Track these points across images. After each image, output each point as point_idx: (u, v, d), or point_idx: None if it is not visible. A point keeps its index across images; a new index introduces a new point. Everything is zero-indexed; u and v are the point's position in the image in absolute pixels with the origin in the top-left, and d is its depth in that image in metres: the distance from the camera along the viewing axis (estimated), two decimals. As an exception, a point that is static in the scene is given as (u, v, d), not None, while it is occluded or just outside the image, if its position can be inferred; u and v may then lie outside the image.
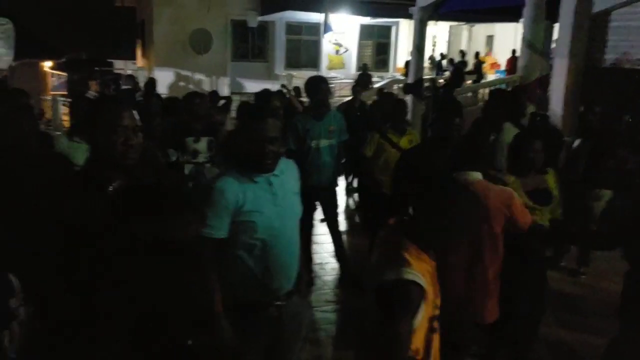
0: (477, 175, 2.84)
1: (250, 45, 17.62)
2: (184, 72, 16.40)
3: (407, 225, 2.01)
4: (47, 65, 19.00)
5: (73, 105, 5.45)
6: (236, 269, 2.39)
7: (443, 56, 19.19)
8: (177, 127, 4.77)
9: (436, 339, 2.00)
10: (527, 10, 8.94)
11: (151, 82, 8.93)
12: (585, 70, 8.77)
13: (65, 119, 14.13)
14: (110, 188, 1.88)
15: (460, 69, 15.24)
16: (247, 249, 2.36)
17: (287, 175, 2.51)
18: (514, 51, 15.42)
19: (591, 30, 8.81)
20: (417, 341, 1.91)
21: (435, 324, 1.97)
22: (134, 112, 2.01)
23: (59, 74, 19.24)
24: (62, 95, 15.18)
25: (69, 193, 1.88)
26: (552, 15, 9.39)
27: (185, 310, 1.71)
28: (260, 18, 16.69)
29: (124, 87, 11.08)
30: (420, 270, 1.88)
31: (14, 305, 1.40)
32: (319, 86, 4.67)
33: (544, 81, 8.72)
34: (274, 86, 13.14)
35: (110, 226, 1.59)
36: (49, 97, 14.96)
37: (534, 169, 3.39)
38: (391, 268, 1.88)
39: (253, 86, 14.00)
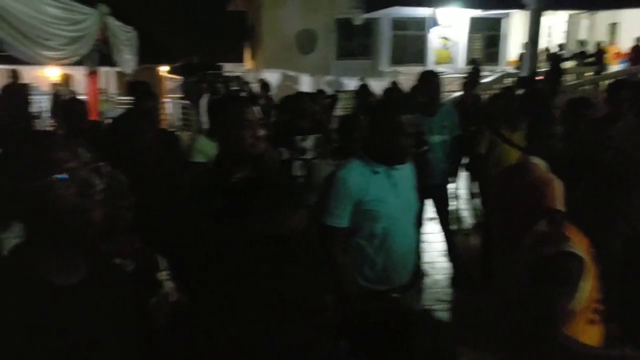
0: None
1: (354, 42, 17.71)
2: (290, 72, 16.83)
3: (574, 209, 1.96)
4: (163, 69, 20.30)
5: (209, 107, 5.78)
6: (357, 257, 2.46)
7: (562, 47, 18.09)
8: (285, 126, 4.92)
9: (593, 332, 1.92)
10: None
11: (265, 84, 9.27)
12: None
13: (181, 119, 15.06)
14: (235, 178, 2.03)
15: (557, 61, 14.33)
16: (368, 238, 2.43)
17: (405, 169, 2.56)
18: (638, 39, 14.30)
19: None
20: (572, 327, 1.84)
21: (595, 317, 1.89)
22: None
23: (172, 78, 20.47)
24: (180, 98, 16.18)
25: (203, 188, 2.03)
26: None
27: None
28: (365, 15, 16.72)
29: (232, 88, 11.57)
30: (581, 249, 1.85)
31: (160, 278, 1.54)
32: (430, 81, 4.62)
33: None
34: (379, 83, 13.17)
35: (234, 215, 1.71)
36: (167, 100, 15.97)
37: None
38: (550, 243, 1.86)
39: (357, 84, 14.07)
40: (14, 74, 9.71)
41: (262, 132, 2.08)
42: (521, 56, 13.99)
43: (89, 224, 1.17)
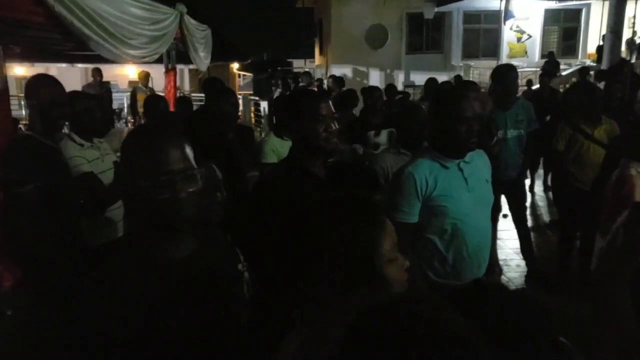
0: None
1: (425, 37, 17.45)
2: (360, 68, 16.81)
3: None
4: (235, 66, 20.78)
5: (276, 105, 5.92)
6: (428, 252, 2.45)
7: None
8: (357, 122, 4.94)
9: None
10: None
11: (338, 79, 9.30)
12: None
13: (252, 117, 15.39)
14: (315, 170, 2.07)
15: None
16: (438, 233, 2.41)
17: (478, 162, 2.52)
18: None
19: None
20: None
21: None
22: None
23: (244, 75, 20.92)
24: (249, 94, 16.54)
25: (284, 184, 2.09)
26: None
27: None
28: (436, 9, 16.44)
29: (301, 84, 11.68)
30: None
31: (240, 268, 1.61)
32: (507, 74, 4.53)
33: None
34: (449, 78, 12.92)
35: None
36: (239, 96, 16.37)
37: None
38: None
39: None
40: (97, 72, 10.21)
41: (335, 126, 2.11)
42: (599, 48, 13.35)
43: (190, 217, 1.35)
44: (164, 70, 7.52)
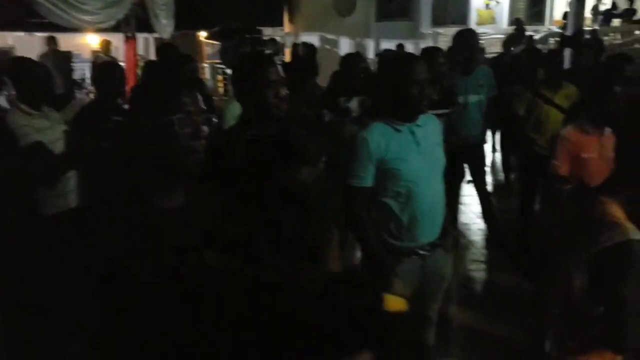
0: None
1: (394, 4, 17.31)
2: (329, 36, 16.63)
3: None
4: (202, 35, 20.32)
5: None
6: (384, 216, 2.48)
7: (614, 5, 17.21)
8: (328, 88, 4.89)
9: None
10: None
11: (310, 46, 9.14)
12: None
13: (220, 85, 15.17)
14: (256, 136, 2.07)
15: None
16: (393, 196, 2.44)
17: (430, 126, 2.54)
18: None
19: None
20: None
21: None
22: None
23: (212, 43, 20.51)
24: (217, 63, 16.25)
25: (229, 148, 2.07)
26: None
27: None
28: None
29: (267, 51, 11.47)
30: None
31: None
32: (467, 40, 4.54)
33: None
34: (418, 46, 12.91)
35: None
36: (206, 65, 16.07)
37: None
38: (609, 231, 1.70)
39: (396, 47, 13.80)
40: (52, 41, 9.83)
41: (285, 92, 2.09)
42: (566, 15, 13.42)
43: (194, 163, 1.43)
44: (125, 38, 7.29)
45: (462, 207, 5.92)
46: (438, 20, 17.18)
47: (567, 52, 7.75)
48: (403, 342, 1.56)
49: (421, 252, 2.52)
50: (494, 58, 8.49)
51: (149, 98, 1.46)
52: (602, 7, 17.27)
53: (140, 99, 1.51)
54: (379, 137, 2.40)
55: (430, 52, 4.22)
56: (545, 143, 4.40)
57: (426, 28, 16.90)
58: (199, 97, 1.47)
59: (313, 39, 15.89)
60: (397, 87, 2.39)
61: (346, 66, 4.57)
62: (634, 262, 1.67)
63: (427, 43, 14.72)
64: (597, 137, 3.18)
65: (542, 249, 2.15)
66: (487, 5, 17.53)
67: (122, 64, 5.32)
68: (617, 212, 1.75)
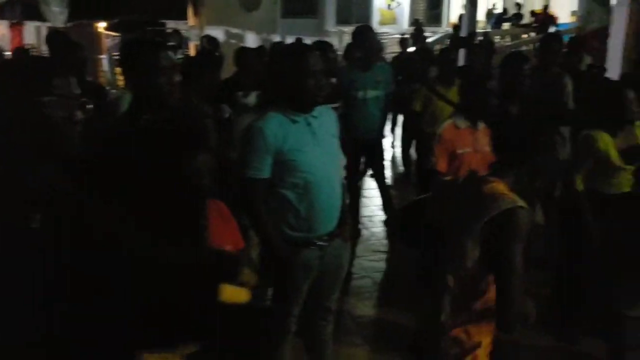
0: None
1: (300, 1, 17.44)
2: (235, 30, 16.45)
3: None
4: (102, 26, 19.41)
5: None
6: (281, 207, 2.48)
7: (505, 10, 18.37)
8: (227, 82, 4.85)
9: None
10: (587, -43, 8.54)
11: (212, 39, 8.97)
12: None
13: (120, 78, 14.56)
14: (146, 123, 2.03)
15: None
16: (290, 187, 2.44)
17: (325, 117, 2.56)
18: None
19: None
20: None
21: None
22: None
23: (112, 35, 19.63)
24: (117, 55, 15.59)
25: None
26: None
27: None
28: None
29: (169, 44, 11.11)
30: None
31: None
32: (365, 35, 4.65)
33: (602, 34, 8.36)
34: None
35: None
36: (104, 57, 15.36)
37: (628, 123, 3.23)
38: (496, 202, 1.89)
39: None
40: None
41: (177, 79, 2.06)
42: (461, 17, 14.18)
43: (67, 146, 1.43)
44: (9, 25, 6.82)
45: (364, 200, 6.11)
46: (342, 19, 17.51)
47: (461, 52, 8.19)
48: (240, 333, 1.65)
49: (319, 242, 2.54)
50: (393, 57, 8.82)
51: (15, 79, 1.42)
52: (495, 12, 18.39)
53: (5, 79, 1.46)
54: (276, 128, 2.39)
55: (322, 47, 4.29)
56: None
57: (331, 26, 17.17)
58: (74, 82, 1.46)
59: (218, 33, 15.65)
60: (293, 78, 2.39)
61: (243, 60, 4.56)
62: (520, 226, 1.86)
63: (332, 40, 14.89)
64: (471, 132, 3.33)
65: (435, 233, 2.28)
66: (389, 6, 18.12)
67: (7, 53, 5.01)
68: (503, 188, 1.95)
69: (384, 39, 13.86)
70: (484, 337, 2.04)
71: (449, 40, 13.90)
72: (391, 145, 8.41)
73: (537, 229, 1.94)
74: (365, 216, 5.73)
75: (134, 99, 2.13)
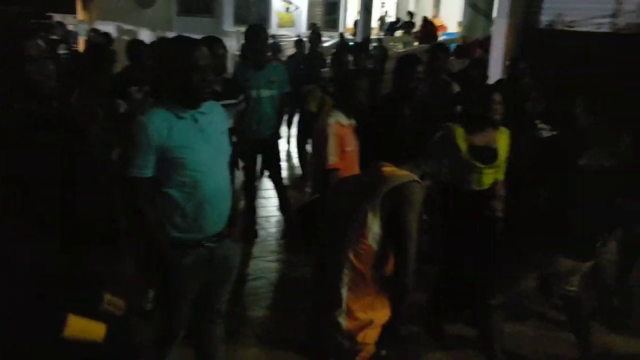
0: None
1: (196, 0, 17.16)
2: (128, 27, 15.83)
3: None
4: (-20, 17, 17.98)
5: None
6: (169, 207, 2.38)
7: (398, 19, 19.13)
8: (121, 77, 4.66)
9: None
10: (470, -30, 9.12)
11: (105, 34, 8.57)
12: (523, 30, 9.05)
13: None
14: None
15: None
16: (178, 186, 2.35)
17: (214, 113, 2.49)
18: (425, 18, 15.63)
19: (529, -9, 9.04)
20: None
21: None
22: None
23: (-7, 27, 18.22)
24: None
25: None
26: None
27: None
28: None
29: (54, 37, 10.44)
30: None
31: None
32: (258, 35, 4.65)
33: (485, 43, 8.98)
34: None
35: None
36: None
37: (490, 124, 3.40)
38: (387, 182, 2.02)
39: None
40: None
41: (51, 68, 1.96)
42: (356, 23, 14.60)
43: None
44: None
45: (261, 201, 6.11)
46: (240, 20, 17.38)
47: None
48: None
49: (208, 243, 2.47)
50: (289, 56, 8.91)
51: None
52: (387, 19, 19.10)
53: None
54: (160, 124, 2.29)
55: (210, 42, 4.22)
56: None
57: (229, 26, 17.00)
58: None
59: (109, 29, 14.99)
60: (178, 72, 2.31)
61: (135, 53, 4.41)
62: (415, 197, 2.00)
63: (230, 41, 14.81)
64: (352, 130, 3.29)
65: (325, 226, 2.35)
66: (287, 9, 18.26)
67: None
68: (395, 170, 2.09)
69: (282, 41, 13.96)
70: (377, 313, 2.13)
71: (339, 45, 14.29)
72: (287, 143, 8.46)
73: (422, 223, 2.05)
74: (262, 217, 5.72)
75: (4, 90, 1.99)
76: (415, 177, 2.04)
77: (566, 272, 3.07)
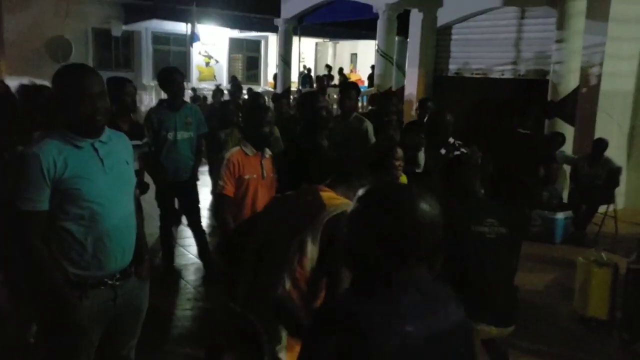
0: None
1: (114, 54, 17.01)
2: (40, 81, 15.32)
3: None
4: None
5: None
6: (65, 243, 2.21)
7: (309, 70, 19.85)
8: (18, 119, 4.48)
9: None
10: (380, 24, 9.70)
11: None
12: (433, 78, 9.67)
13: None
14: None
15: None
16: (75, 220, 2.20)
17: (117, 143, 2.39)
18: (372, 67, 16.34)
19: (437, 42, 9.71)
20: None
21: None
22: None
23: None
24: None
25: None
26: (405, 30, 10.28)
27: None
28: (125, 27, 16.21)
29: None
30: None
31: None
32: (172, 77, 4.66)
33: (400, 93, 9.47)
34: (141, 97, 12.80)
35: None
36: None
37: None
38: (333, 205, 2.06)
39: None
40: None
41: None
42: (275, 76, 14.98)
43: None
44: None
45: (180, 249, 5.92)
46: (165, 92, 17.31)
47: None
48: None
49: (111, 282, 2.30)
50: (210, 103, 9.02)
51: None
52: (306, 73, 19.65)
53: None
54: (55, 154, 2.14)
55: (117, 82, 4.18)
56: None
57: (148, 80, 16.91)
58: None
59: (22, 82, 14.49)
60: (70, 100, 2.20)
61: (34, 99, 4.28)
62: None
63: (149, 94, 14.76)
64: (258, 159, 3.50)
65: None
66: (207, 64, 18.42)
67: None
68: (332, 195, 2.13)
69: (203, 94, 14.02)
70: None
71: (266, 96, 14.53)
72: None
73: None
74: (181, 264, 5.54)
75: None
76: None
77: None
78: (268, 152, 3.52)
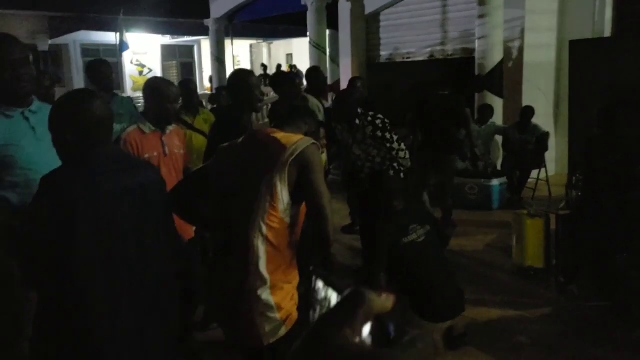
0: None
1: (44, 70, 16.46)
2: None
3: None
4: None
5: None
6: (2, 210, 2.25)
7: (265, 68, 19.76)
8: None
9: None
10: (310, 15, 9.82)
11: None
12: (367, 67, 9.84)
13: None
14: None
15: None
16: (11, 187, 2.26)
17: (45, 113, 2.34)
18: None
19: (367, 30, 9.90)
20: None
21: None
22: None
23: None
24: None
25: None
26: (334, 23, 10.41)
27: None
28: (51, 41, 15.75)
29: None
30: None
31: None
32: (100, 70, 4.61)
33: (335, 86, 9.61)
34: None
35: None
36: None
37: None
38: (294, 144, 2.08)
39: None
40: None
41: None
42: (211, 79, 14.92)
43: None
44: None
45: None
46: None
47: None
48: None
49: None
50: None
51: None
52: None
53: None
54: None
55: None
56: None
57: (80, 93, 16.52)
58: None
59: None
60: None
61: None
62: (317, 159, 2.09)
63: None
64: (158, 136, 3.20)
65: None
66: (141, 73, 18.09)
67: None
68: (286, 134, 2.16)
69: (140, 103, 13.78)
70: (293, 278, 2.17)
71: (203, 100, 14.44)
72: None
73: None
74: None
75: None
76: (312, 140, 2.11)
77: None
78: (170, 128, 3.26)
